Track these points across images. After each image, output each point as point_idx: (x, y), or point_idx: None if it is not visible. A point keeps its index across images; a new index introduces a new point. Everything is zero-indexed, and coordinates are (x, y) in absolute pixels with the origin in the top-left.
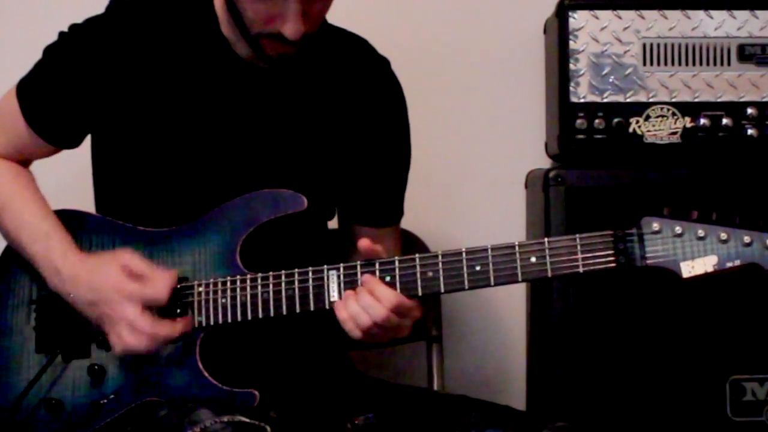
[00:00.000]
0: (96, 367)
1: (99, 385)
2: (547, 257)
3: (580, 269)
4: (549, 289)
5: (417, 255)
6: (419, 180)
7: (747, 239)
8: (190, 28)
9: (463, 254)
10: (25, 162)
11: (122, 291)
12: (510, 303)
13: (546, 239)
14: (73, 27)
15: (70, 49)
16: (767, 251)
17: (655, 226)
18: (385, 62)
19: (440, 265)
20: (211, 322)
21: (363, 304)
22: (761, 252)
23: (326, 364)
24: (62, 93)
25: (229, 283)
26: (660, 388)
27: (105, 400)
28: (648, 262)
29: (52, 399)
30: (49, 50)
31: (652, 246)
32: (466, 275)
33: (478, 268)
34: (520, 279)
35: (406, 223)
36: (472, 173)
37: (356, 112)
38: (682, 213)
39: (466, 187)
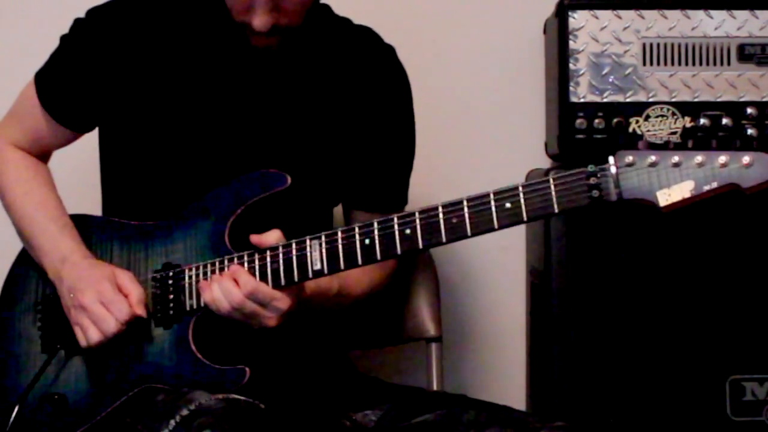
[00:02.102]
0: (95, 359)
1: (99, 377)
2: (522, 200)
3: (555, 209)
4: (549, 289)
5: (395, 215)
6: (419, 179)
7: (723, 159)
8: (202, 13)
9: (440, 208)
10: (44, 155)
11: (99, 291)
12: (510, 303)
13: (520, 183)
14: (89, 12)
15: (84, 33)
16: (744, 169)
17: (629, 158)
18: (390, 50)
19: (417, 221)
20: (202, 304)
21: (223, 288)
22: (738, 171)
23: (325, 364)
24: (75, 75)
25: (217, 264)
26: (660, 388)
27: (105, 391)
28: (622, 195)
29: (55, 394)
30: (64, 37)
31: (626, 178)
32: (443, 229)
33: (454, 220)
34: (496, 226)
35: None
36: (472, 173)
37: (362, 98)
38: (659, 145)
39: (465, 187)
